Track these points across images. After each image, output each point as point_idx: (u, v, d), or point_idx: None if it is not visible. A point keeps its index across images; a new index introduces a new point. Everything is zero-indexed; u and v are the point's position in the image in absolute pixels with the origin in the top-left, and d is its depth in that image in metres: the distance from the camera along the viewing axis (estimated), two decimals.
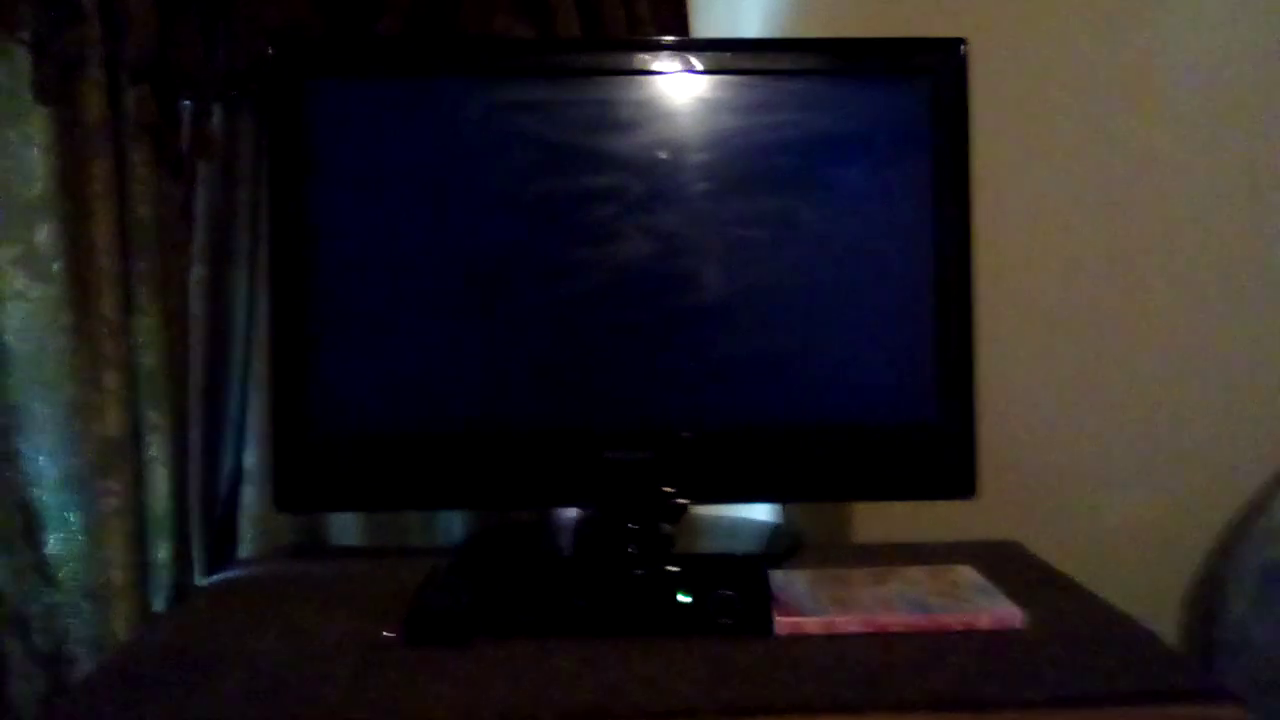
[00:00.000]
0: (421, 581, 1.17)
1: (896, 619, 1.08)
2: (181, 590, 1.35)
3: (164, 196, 1.33)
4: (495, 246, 1.18)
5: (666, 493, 1.19)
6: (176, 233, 1.36)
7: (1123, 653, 1.03)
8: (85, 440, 1.28)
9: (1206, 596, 1.51)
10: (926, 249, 1.19)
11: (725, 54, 1.20)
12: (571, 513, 1.31)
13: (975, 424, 1.19)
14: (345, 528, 1.46)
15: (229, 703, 0.96)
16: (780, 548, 1.23)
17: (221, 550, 1.43)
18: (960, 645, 1.05)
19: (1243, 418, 1.53)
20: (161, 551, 1.34)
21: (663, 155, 1.18)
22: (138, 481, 1.31)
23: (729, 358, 1.18)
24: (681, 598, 1.09)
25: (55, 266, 1.27)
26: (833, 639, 1.07)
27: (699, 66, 1.18)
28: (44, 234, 1.27)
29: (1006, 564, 1.28)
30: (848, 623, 1.08)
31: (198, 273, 1.39)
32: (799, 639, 1.07)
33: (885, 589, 1.16)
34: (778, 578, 1.17)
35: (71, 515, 1.29)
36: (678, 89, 1.18)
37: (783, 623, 1.08)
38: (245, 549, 1.43)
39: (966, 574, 1.21)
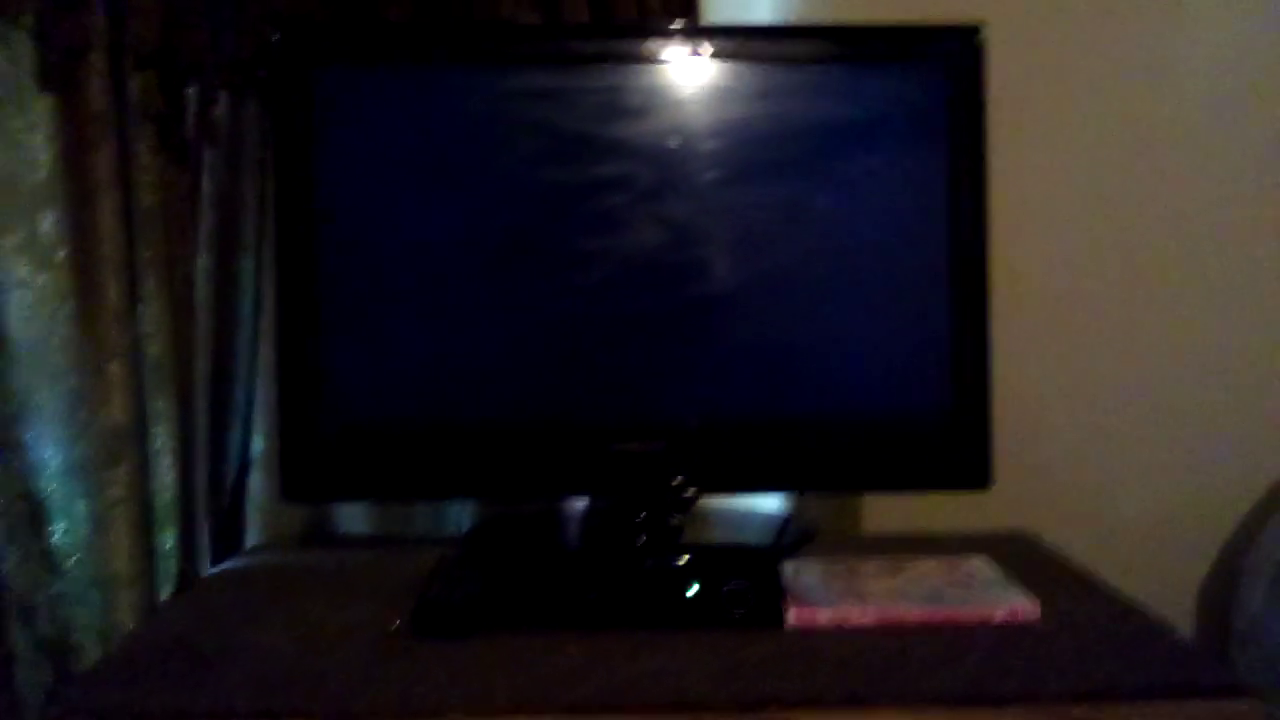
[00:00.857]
0: (429, 572, 1.16)
1: (910, 611, 1.07)
2: (188, 579, 1.35)
3: (168, 184, 1.32)
4: (503, 235, 1.17)
5: (676, 483, 1.18)
6: (182, 220, 1.35)
7: (1139, 646, 1.02)
8: (90, 429, 1.28)
9: (1222, 589, 1.49)
10: (941, 238, 1.17)
11: (735, 40, 1.18)
12: (580, 504, 1.30)
13: (990, 414, 1.18)
14: (353, 517, 1.45)
15: (234, 693, 0.95)
16: (792, 539, 1.22)
17: (228, 539, 1.43)
18: (974, 638, 1.03)
19: (1260, 409, 1.52)
20: (167, 541, 1.34)
21: (673, 143, 1.16)
22: (143, 471, 1.30)
23: (740, 347, 1.17)
24: (691, 590, 1.08)
25: (59, 254, 1.26)
26: (845, 631, 1.06)
27: (709, 53, 1.17)
28: (48, 221, 1.26)
29: (1021, 556, 1.27)
30: (860, 615, 1.07)
31: (203, 260, 1.38)
32: (811, 631, 1.06)
33: (898, 581, 1.15)
34: (789, 569, 1.16)
35: (77, 504, 1.29)
36: (688, 76, 1.17)
37: (795, 615, 1.07)
38: (252, 538, 1.42)
39: (981, 566, 1.20)
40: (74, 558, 1.29)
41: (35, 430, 1.28)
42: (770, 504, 1.40)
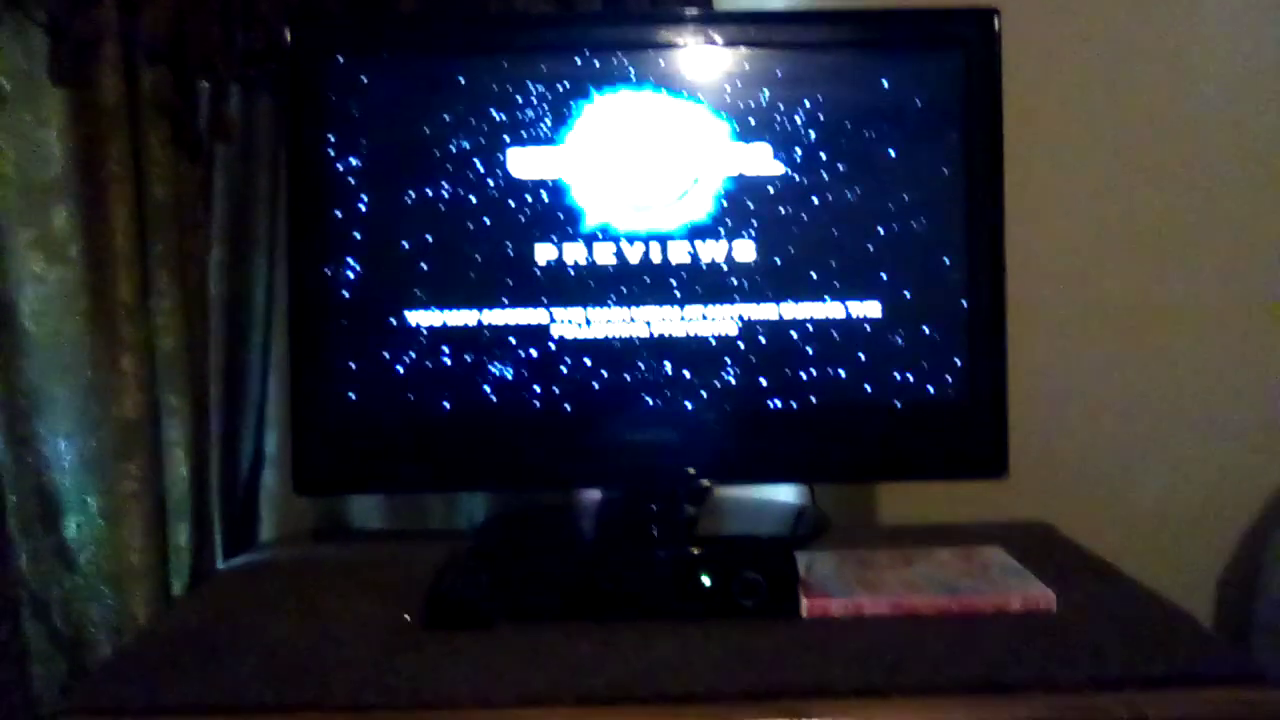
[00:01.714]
0: (441, 566, 1.15)
1: (925, 601, 1.07)
2: (201, 574, 1.35)
3: (181, 178, 1.32)
4: (517, 225, 1.16)
5: (689, 474, 1.18)
6: (195, 215, 1.35)
7: (1158, 636, 1.01)
8: (103, 423, 1.27)
9: (1242, 578, 1.48)
10: (957, 224, 1.16)
11: (750, 27, 1.18)
12: (593, 495, 1.29)
13: (1006, 401, 1.17)
14: (367, 510, 1.45)
15: (248, 687, 0.95)
16: (806, 529, 1.21)
17: (242, 534, 1.43)
18: (990, 628, 1.03)
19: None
20: (181, 535, 1.33)
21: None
22: (156, 465, 1.30)
23: (753, 334, 1.16)
24: (705, 581, 1.07)
25: (72, 249, 1.26)
26: (860, 622, 1.05)
27: (723, 40, 1.16)
28: (61, 217, 1.26)
29: (1038, 545, 1.26)
30: (876, 605, 1.06)
31: (216, 254, 1.38)
32: (825, 622, 1.05)
33: (914, 571, 1.14)
34: (804, 560, 1.15)
35: (90, 499, 1.28)
36: (703, 63, 1.16)
37: (809, 605, 1.06)
38: (266, 532, 1.42)
39: (997, 555, 1.19)
40: (87, 553, 1.29)
41: (48, 424, 1.28)
42: (785, 494, 1.40)
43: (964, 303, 1.16)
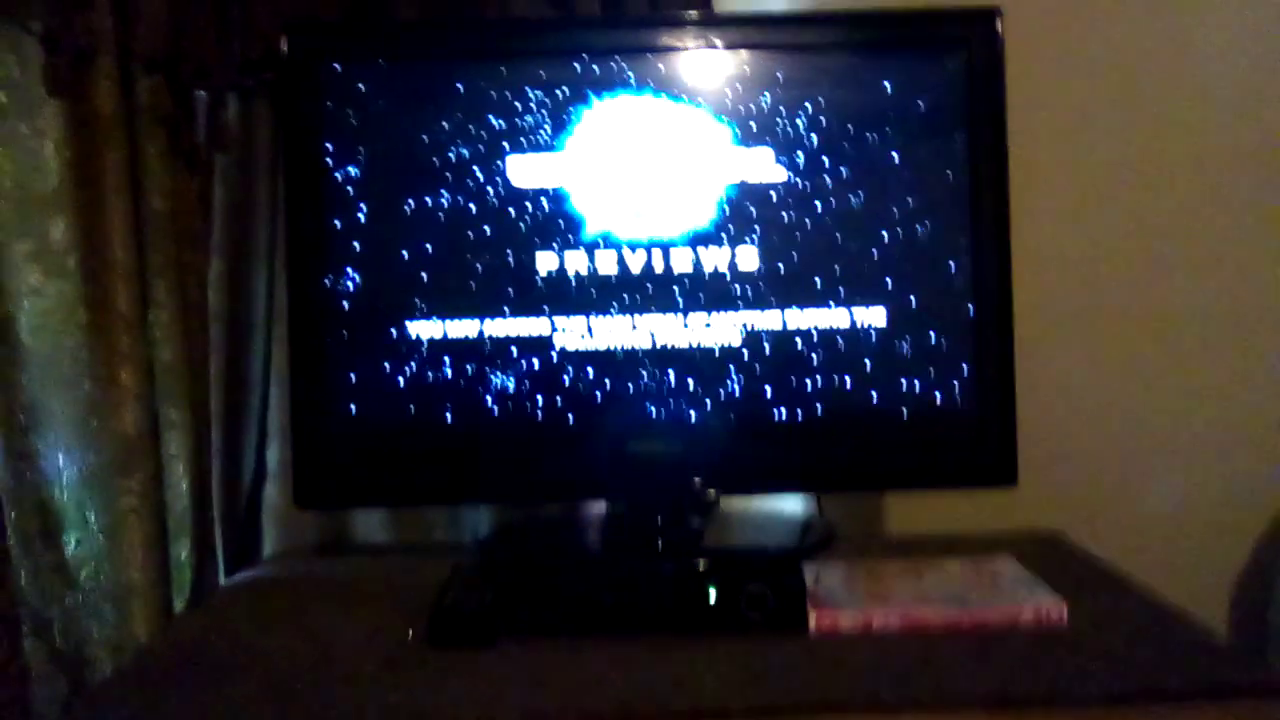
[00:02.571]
0: (444, 580, 1.14)
1: (935, 614, 1.05)
2: (202, 590, 1.34)
3: (179, 189, 1.31)
4: (517, 234, 1.15)
5: (695, 485, 1.17)
6: (193, 226, 1.34)
7: (1172, 647, 1.00)
8: (103, 438, 1.26)
9: (1256, 586, 1.46)
10: (963, 229, 1.15)
11: (750, 29, 1.17)
12: (598, 507, 1.28)
13: (1014, 410, 1.15)
14: (370, 524, 1.44)
15: (249, 704, 0.94)
16: (814, 541, 1.20)
17: (244, 548, 1.42)
18: (1001, 641, 1.01)
19: None
20: (182, 551, 1.32)
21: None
22: (157, 480, 1.29)
23: (757, 342, 1.15)
24: (711, 594, 1.06)
25: (70, 261, 1.25)
26: (869, 635, 1.04)
27: (723, 43, 1.15)
28: (58, 229, 1.25)
29: (1049, 555, 1.25)
30: (885, 618, 1.05)
31: (216, 266, 1.37)
32: (834, 636, 1.04)
33: (923, 583, 1.13)
34: (811, 572, 1.13)
35: (90, 515, 1.27)
36: (703, 67, 1.15)
37: (817, 619, 1.05)
38: (269, 546, 1.41)
39: (1007, 566, 1.18)
40: (88, 569, 1.28)
41: (47, 439, 1.27)
42: (792, 505, 1.38)
43: (970, 309, 1.15)
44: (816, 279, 1.15)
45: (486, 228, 1.15)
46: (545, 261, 1.15)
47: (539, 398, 1.16)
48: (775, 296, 1.15)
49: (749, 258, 1.15)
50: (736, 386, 1.15)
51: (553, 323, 1.15)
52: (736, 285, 1.15)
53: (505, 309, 1.15)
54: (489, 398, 1.16)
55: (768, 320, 1.15)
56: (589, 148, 1.15)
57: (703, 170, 1.15)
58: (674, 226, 1.15)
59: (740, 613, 1.05)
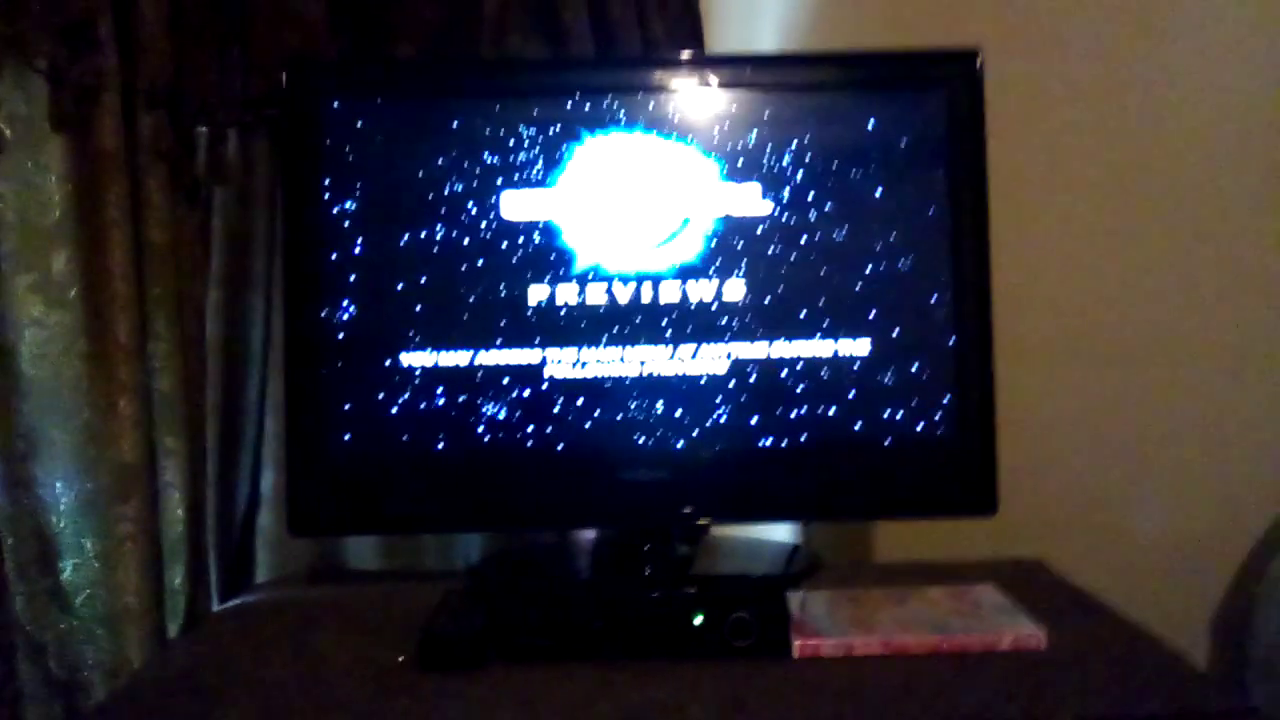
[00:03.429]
0: (435, 606, 1.16)
1: (916, 640, 1.07)
2: (196, 616, 1.35)
3: (179, 222, 1.34)
4: (509, 267, 1.17)
5: (683, 513, 1.18)
6: (192, 258, 1.36)
7: (1150, 674, 1.01)
8: (100, 465, 1.28)
9: (1236, 615, 1.47)
10: (944, 261, 1.17)
11: (739, 69, 1.19)
12: (587, 534, 1.29)
13: (995, 439, 1.17)
14: (363, 551, 1.45)
15: None
16: (799, 568, 1.21)
17: (239, 575, 1.43)
18: (981, 667, 1.03)
19: (1272, 433, 1.50)
20: (177, 577, 1.34)
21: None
22: (153, 507, 1.31)
23: (743, 373, 1.17)
24: (697, 620, 1.08)
25: (72, 293, 1.27)
26: (851, 661, 1.05)
27: (712, 82, 1.18)
28: (60, 261, 1.28)
29: (1029, 583, 1.26)
30: (867, 645, 1.06)
31: (214, 297, 1.39)
32: (817, 661, 1.05)
33: (905, 610, 1.15)
34: (796, 599, 1.15)
35: (86, 541, 1.29)
36: (692, 105, 1.18)
37: (800, 645, 1.06)
38: (263, 573, 1.42)
39: (988, 593, 1.19)
40: (83, 595, 1.29)
41: (45, 467, 1.29)
42: (778, 533, 1.40)
43: (952, 339, 1.17)
44: (801, 310, 1.17)
45: (479, 261, 1.17)
46: (536, 294, 1.17)
47: (530, 427, 1.17)
48: (761, 328, 1.17)
49: (735, 290, 1.17)
50: (723, 416, 1.17)
51: (544, 354, 1.17)
52: (723, 317, 1.17)
53: (497, 340, 1.17)
54: (481, 427, 1.18)
55: (754, 351, 1.17)
56: (580, 183, 1.17)
57: (691, 205, 1.17)
58: (662, 260, 1.17)
59: (725, 639, 1.07)
